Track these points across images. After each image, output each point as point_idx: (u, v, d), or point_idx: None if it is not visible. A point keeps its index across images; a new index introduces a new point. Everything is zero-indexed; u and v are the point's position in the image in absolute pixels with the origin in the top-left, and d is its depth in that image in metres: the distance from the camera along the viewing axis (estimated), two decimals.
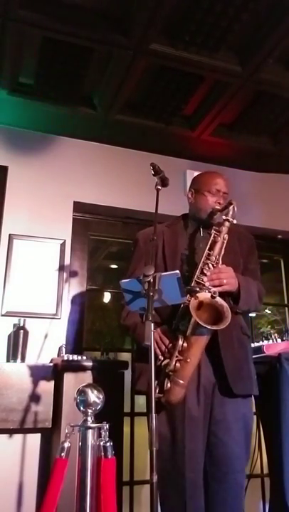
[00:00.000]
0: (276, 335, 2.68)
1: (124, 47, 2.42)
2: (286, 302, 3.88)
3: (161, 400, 1.76)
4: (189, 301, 1.79)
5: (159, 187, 1.86)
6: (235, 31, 2.36)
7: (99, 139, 3.34)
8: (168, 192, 1.92)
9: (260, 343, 2.63)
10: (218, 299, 1.77)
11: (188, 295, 1.80)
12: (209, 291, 1.78)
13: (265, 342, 2.62)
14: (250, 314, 3.52)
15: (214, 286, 1.82)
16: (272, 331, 2.78)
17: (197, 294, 1.78)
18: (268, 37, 2.38)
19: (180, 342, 1.78)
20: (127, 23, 2.31)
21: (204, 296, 1.78)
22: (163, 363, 1.80)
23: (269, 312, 4.15)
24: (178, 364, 1.77)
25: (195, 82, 2.75)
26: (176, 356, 1.77)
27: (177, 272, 1.65)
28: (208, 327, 1.73)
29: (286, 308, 3.90)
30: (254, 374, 1.99)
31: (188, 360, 1.76)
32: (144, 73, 2.68)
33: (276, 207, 3.75)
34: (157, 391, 1.77)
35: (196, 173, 2.28)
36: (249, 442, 1.95)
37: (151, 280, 1.55)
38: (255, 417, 2.62)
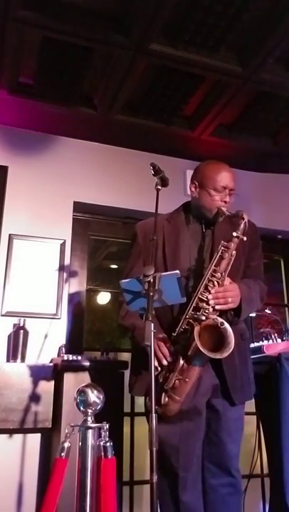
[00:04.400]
0: (276, 335, 2.68)
1: (124, 47, 2.42)
2: (286, 302, 3.88)
3: (157, 410, 1.75)
4: (192, 318, 1.77)
5: (159, 187, 1.85)
6: (235, 31, 2.36)
7: (99, 139, 3.34)
8: (168, 192, 1.91)
9: (260, 343, 2.63)
10: (225, 325, 1.73)
11: (193, 321, 1.78)
12: (215, 320, 1.74)
13: (265, 342, 2.62)
14: (250, 314, 3.53)
15: (219, 305, 1.79)
16: (272, 331, 2.78)
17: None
18: (268, 37, 2.38)
19: (181, 362, 1.76)
20: (127, 23, 2.31)
21: (210, 318, 1.76)
22: (161, 376, 1.79)
23: (269, 312, 4.14)
24: (177, 381, 1.75)
25: (195, 82, 2.75)
26: (176, 375, 1.75)
27: (177, 271, 1.64)
28: (212, 356, 1.70)
29: (286, 308, 3.91)
30: (252, 375, 1.99)
31: (187, 380, 1.75)
32: (144, 73, 2.68)
33: (276, 207, 3.75)
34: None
35: None
36: (241, 441, 1.96)
37: (151, 280, 1.55)
38: (253, 417, 2.63)
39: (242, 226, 1.85)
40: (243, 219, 1.86)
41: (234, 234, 1.85)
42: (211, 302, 1.77)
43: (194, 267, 1.95)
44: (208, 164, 2.07)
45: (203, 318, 1.75)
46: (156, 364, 1.78)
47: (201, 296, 1.80)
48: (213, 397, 1.87)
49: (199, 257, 1.98)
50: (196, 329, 1.72)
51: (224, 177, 1.96)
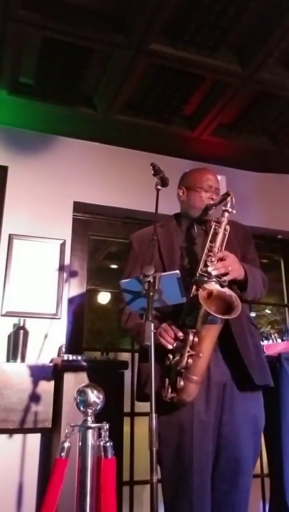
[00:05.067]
0: (276, 335, 2.68)
1: (124, 47, 2.42)
2: (286, 302, 3.88)
3: (173, 400, 1.72)
4: (195, 284, 1.76)
5: (159, 187, 1.86)
6: (235, 31, 2.36)
7: (99, 139, 3.34)
8: (168, 192, 1.92)
9: (260, 343, 2.63)
10: (226, 290, 1.72)
11: (195, 287, 1.76)
12: (218, 281, 1.73)
13: (265, 342, 2.62)
14: (251, 314, 3.53)
15: (221, 274, 1.76)
16: (272, 331, 2.78)
17: (205, 285, 1.72)
18: (268, 37, 2.38)
19: (191, 337, 1.71)
20: (127, 23, 2.31)
21: (212, 286, 1.73)
22: (173, 361, 1.74)
23: (269, 312, 4.15)
24: (190, 360, 1.70)
25: (195, 82, 2.75)
26: (188, 351, 1.70)
27: (177, 271, 1.64)
28: (220, 317, 1.67)
29: (286, 308, 3.91)
30: (267, 366, 1.96)
31: (201, 355, 1.70)
32: (144, 73, 2.68)
33: (276, 207, 3.75)
34: (170, 390, 1.72)
35: None
36: (258, 443, 1.92)
37: (151, 280, 1.54)
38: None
39: (229, 201, 1.90)
40: (229, 195, 1.91)
41: (223, 208, 1.89)
42: (211, 269, 1.75)
43: (190, 266, 1.96)
44: (193, 169, 2.21)
45: (205, 279, 1.73)
46: (169, 347, 1.75)
47: (201, 273, 1.80)
48: (224, 398, 1.84)
49: (195, 253, 2.00)
50: (201, 293, 1.70)
51: (210, 178, 2.08)
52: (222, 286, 1.73)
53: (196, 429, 1.77)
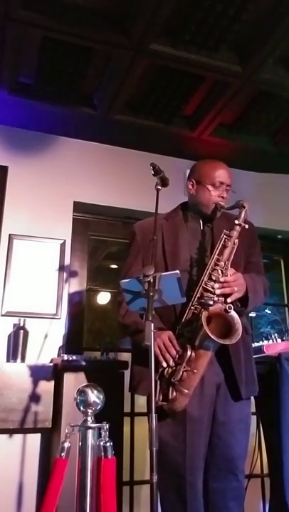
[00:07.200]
0: (276, 335, 2.68)
1: (124, 47, 2.42)
2: (286, 302, 3.88)
3: (163, 407, 1.73)
4: (197, 308, 1.76)
5: (159, 187, 1.85)
6: (235, 31, 2.36)
7: (99, 139, 3.34)
8: (168, 192, 1.91)
9: (260, 343, 2.63)
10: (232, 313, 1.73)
11: (199, 307, 1.76)
12: (223, 304, 1.74)
13: (265, 342, 2.62)
14: (250, 314, 3.53)
15: (225, 295, 1.77)
16: (272, 331, 2.78)
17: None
18: (268, 37, 2.38)
19: (188, 353, 1.73)
20: (127, 23, 2.31)
21: (216, 307, 1.74)
22: (168, 372, 1.76)
23: (269, 312, 4.15)
24: (185, 374, 1.73)
25: (195, 82, 2.75)
26: (184, 367, 1.73)
27: (177, 271, 1.64)
28: (221, 342, 1.68)
29: (286, 308, 3.91)
30: (255, 373, 1.97)
31: (196, 371, 1.73)
32: (144, 73, 2.68)
33: (276, 207, 3.75)
34: (161, 399, 1.74)
35: None
36: (248, 442, 1.94)
37: (151, 280, 1.54)
38: (253, 417, 2.62)
39: (243, 214, 1.87)
40: (244, 207, 1.88)
41: (236, 222, 1.87)
42: (217, 290, 1.75)
43: (195, 264, 1.95)
44: (206, 162, 2.11)
45: (211, 302, 1.73)
46: (164, 365, 1.76)
47: (205, 286, 1.79)
48: (217, 398, 1.85)
49: (199, 253, 1.98)
50: (204, 314, 1.70)
51: (221, 173, 2.01)
52: (227, 311, 1.73)
53: (189, 428, 1.77)
